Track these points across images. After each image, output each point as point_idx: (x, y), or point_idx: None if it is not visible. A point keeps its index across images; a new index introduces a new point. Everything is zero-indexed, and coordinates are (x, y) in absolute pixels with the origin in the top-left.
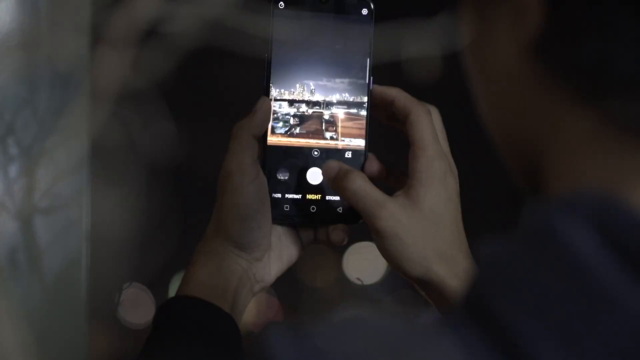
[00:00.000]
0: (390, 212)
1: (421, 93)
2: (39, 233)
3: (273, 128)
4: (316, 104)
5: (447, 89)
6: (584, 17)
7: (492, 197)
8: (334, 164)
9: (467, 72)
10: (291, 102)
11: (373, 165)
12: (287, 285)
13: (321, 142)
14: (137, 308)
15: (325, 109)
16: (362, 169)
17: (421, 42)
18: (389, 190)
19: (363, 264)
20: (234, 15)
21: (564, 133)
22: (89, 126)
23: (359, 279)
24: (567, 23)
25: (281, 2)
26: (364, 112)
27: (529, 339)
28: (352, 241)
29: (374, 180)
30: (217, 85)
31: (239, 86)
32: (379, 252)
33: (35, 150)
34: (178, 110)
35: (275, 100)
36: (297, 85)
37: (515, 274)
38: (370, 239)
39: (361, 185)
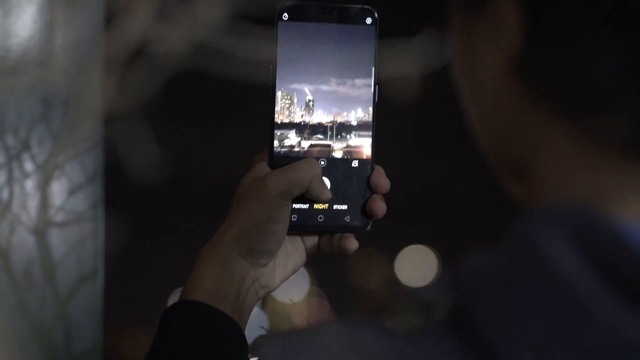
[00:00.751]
0: None
1: (402, 111)
2: (53, 246)
3: (281, 142)
4: (322, 130)
5: (429, 106)
6: (563, 35)
7: (485, 208)
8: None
9: (456, 86)
10: (298, 126)
11: (379, 178)
12: (338, 287)
13: (326, 149)
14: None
15: (334, 131)
16: (369, 179)
17: (401, 62)
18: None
19: (414, 267)
20: (219, 38)
21: (547, 148)
22: (102, 140)
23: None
24: (546, 41)
25: (285, 14)
26: (370, 122)
27: (510, 352)
28: (403, 245)
29: (380, 193)
30: (203, 105)
31: (225, 106)
32: (429, 256)
33: (49, 166)
34: (165, 129)
35: (281, 125)
36: (305, 95)
37: (497, 287)
38: (421, 242)
39: None
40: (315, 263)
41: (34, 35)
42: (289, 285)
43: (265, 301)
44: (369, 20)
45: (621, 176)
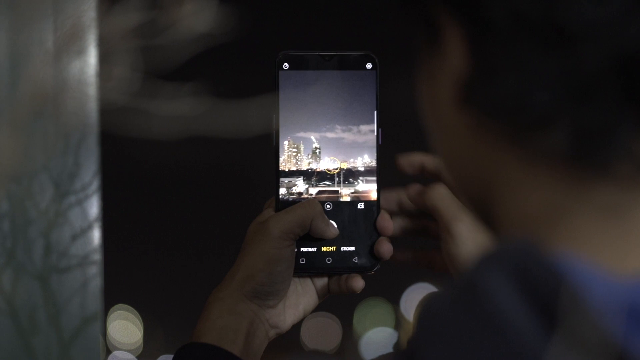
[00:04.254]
0: (470, 219)
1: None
2: (57, 291)
3: (289, 189)
4: (329, 176)
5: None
6: (501, 58)
7: None
8: (416, 185)
9: (423, 126)
10: (305, 173)
11: (385, 220)
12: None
13: (333, 195)
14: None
15: (341, 177)
16: (375, 223)
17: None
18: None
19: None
20: (129, 98)
21: (502, 173)
22: (101, 186)
23: None
24: (487, 65)
25: (285, 64)
26: (374, 165)
27: None
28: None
29: (386, 235)
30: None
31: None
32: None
33: (51, 213)
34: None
35: (289, 173)
36: (311, 143)
37: (445, 329)
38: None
39: (447, 192)
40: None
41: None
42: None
43: (399, 323)
44: (369, 66)
45: (568, 194)
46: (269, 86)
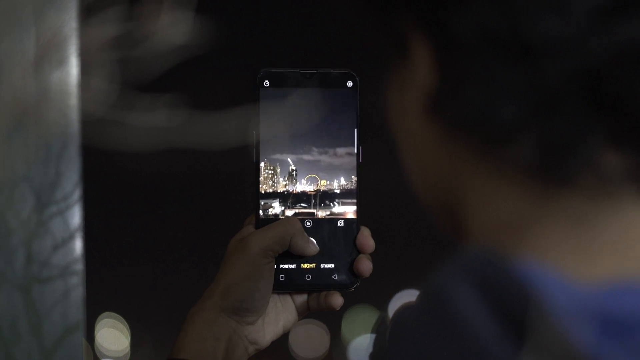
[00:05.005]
0: None
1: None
2: (38, 301)
3: (265, 211)
4: (305, 198)
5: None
6: (467, 72)
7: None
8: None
9: (392, 139)
10: (282, 196)
11: (365, 238)
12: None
13: (313, 212)
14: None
15: (317, 199)
16: (355, 240)
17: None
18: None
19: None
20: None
21: (470, 183)
22: (82, 196)
23: None
24: (453, 78)
25: (266, 81)
26: (352, 189)
27: None
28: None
29: (365, 253)
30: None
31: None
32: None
33: (33, 223)
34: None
35: (265, 195)
36: (288, 165)
37: (411, 336)
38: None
39: None
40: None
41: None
42: None
43: None
44: (349, 84)
45: (535, 204)
46: (246, 98)
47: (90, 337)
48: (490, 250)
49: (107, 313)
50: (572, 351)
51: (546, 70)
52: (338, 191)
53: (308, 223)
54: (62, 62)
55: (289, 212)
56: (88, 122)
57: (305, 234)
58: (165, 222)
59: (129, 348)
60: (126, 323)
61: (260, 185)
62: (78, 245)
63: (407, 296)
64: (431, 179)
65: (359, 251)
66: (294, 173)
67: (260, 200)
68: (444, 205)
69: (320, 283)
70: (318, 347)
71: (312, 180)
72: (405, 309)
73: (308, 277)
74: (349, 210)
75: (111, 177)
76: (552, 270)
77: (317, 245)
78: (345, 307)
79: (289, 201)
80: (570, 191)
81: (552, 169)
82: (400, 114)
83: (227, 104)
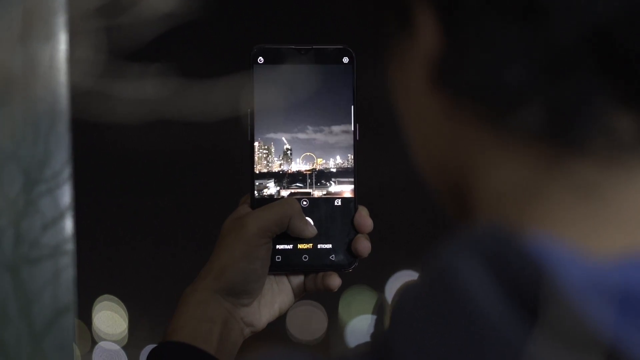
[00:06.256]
0: None
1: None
2: (28, 282)
3: (260, 192)
4: (301, 178)
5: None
6: (472, 36)
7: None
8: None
9: (394, 112)
10: (277, 176)
11: (363, 218)
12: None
13: (309, 192)
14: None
15: (313, 179)
16: (352, 220)
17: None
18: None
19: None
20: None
21: (476, 154)
22: (72, 174)
23: None
24: (459, 44)
25: (260, 58)
26: (349, 167)
27: None
28: None
29: (363, 233)
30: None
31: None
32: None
33: (21, 202)
34: None
35: (259, 175)
36: (283, 144)
37: (417, 314)
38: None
39: None
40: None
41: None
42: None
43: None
44: (345, 60)
45: (543, 173)
46: (238, 66)
47: (87, 320)
48: (499, 225)
49: (105, 296)
50: (590, 331)
51: (555, 29)
52: (334, 170)
53: (304, 202)
54: (49, 36)
55: (285, 193)
56: (78, 97)
57: (304, 215)
58: (159, 199)
59: (126, 331)
60: (123, 305)
61: (255, 166)
62: (68, 224)
63: (404, 277)
64: (436, 153)
65: (356, 231)
66: (288, 152)
67: (255, 181)
68: (449, 180)
69: (317, 264)
70: (315, 329)
71: (308, 159)
72: (409, 288)
73: (305, 258)
74: (346, 190)
75: (102, 153)
76: (563, 244)
77: (315, 228)
78: (342, 288)
79: (284, 181)
80: (582, 158)
81: (561, 135)
82: (403, 85)
83: (218, 72)
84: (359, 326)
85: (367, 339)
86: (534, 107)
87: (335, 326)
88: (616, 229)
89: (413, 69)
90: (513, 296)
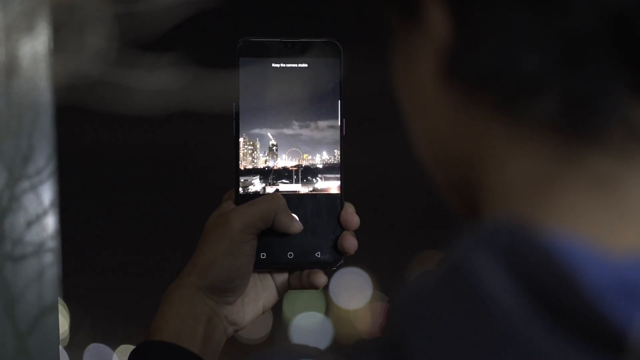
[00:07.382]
0: None
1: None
2: (12, 281)
3: (245, 188)
4: (287, 174)
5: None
6: (484, 22)
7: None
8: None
9: (398, 104)
10: (262, 172)
11: (349, 214)
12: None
13: (296, 188)
14: (254, 322)
15: (299, 175)
16: (339, 217)
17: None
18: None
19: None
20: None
21: (487, 145)
22: (57, 172)
23: None
24: (471, 31)
25: (246, 51)
26: (335, 163)
27: None
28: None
29: (350, 229)
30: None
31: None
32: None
33: (4, 198)
34: None
35: (245, 172)
36: (268, 140)
37: (430, 309)
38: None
39: None
40: (376, 267)
41: None
42: (351, 292)
43: (329, 309)
44: (332, 53)
45: (558, 164)
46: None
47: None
48: (512, 219)
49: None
50: (605, 327)
51: (573, 16)
52: (321, 166)
53: (290, 199)
54: (32, 29)
55: (270, 189)
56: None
57: (289, 211)
58: (144, 195)
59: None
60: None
61: (240, 162)
62: (52, 221)
63: (348, 274)
64: (441, 145)
65: (343, 228)
66: (274, 148)
67: (240, 177)
68: (456, 175)
69: (303, 261)
70: (261, 326)
71: (293, 154)
72: (421, 280)
73: (290, 255)
74: (333, 186)
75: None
76: (579, 238)
77: (300, 224)
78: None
79: (270, 177)
80: (598, 149)
81: (579, 125)
82: (409, 77)
83: (232, 63)
84: (304, 323)
85: (319, 333)
86: (549, 97)
87: (280, 323)
88: (633, 222)
89: (421, 59)
90: (529, 290)
